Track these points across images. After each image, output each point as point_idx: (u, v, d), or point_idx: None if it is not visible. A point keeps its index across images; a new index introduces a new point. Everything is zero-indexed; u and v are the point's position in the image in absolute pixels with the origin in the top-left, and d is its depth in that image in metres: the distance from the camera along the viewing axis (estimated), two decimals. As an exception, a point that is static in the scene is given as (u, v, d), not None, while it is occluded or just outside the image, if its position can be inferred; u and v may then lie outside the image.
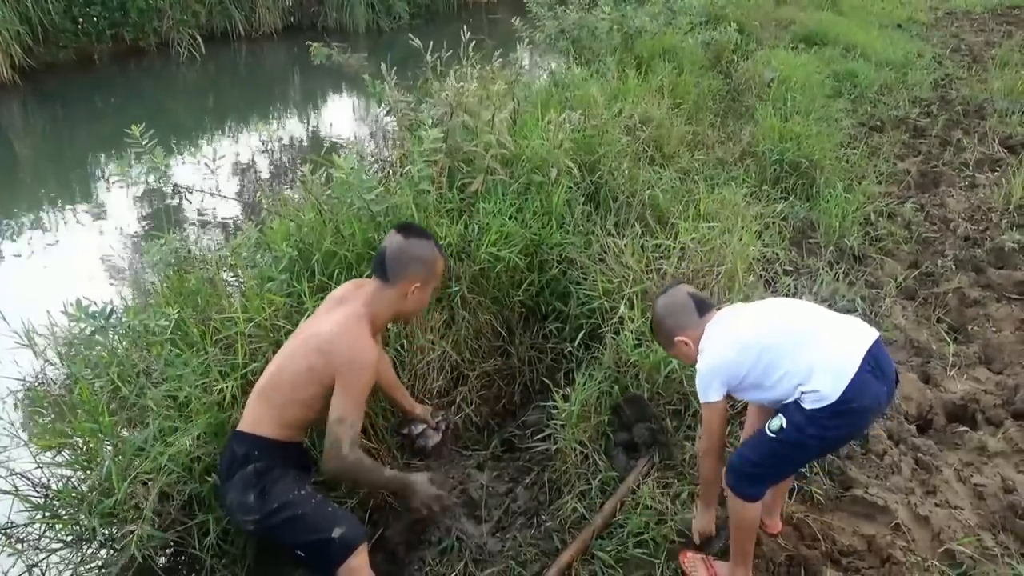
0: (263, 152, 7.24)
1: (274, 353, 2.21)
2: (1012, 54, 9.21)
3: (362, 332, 1.98)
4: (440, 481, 2.29)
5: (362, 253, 2.70)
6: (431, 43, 3.54)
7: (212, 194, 3.59)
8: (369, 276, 2.29)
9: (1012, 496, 2.37)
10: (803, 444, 1.76)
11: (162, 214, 5.30)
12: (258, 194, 3.58)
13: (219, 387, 2.17)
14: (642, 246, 3.14)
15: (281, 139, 7.79)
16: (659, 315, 2.03)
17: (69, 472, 2.11)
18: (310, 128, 8.58)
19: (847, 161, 5.28)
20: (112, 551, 2.03)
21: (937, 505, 2.33)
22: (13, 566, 1.97)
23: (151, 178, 2.63)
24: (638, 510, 2.21)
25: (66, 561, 2.01)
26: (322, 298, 2.22)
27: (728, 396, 1.89)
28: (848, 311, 3.28)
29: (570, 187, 3.40)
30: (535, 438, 2.65)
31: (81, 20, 9.42)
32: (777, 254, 3.67)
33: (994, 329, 3.43)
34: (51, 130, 8.00)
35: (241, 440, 1.94)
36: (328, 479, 2.17)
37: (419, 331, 2.72)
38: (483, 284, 2.97)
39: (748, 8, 9.01)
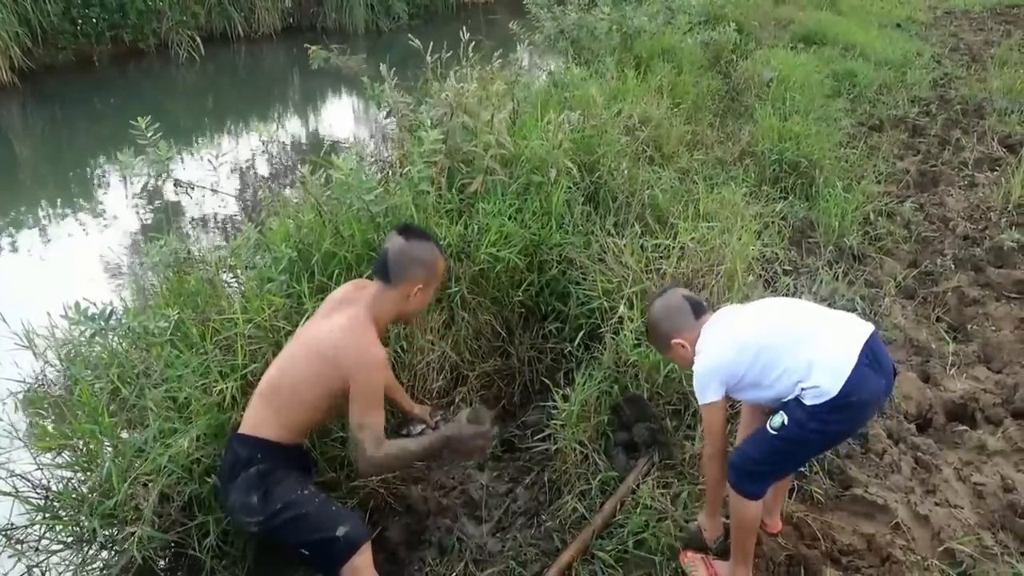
0: (263, 153, 7.24)
1: (274, 354, 2.21)
2: (1011, 53, 9.22)
3: (369, 334, 1.99)
4: (473, 416, 2.17)
5: (362, 254, 2.71)
6: (431, 44, 3.54)
7: (214, 190, 3.60)
8: (369, 277, 2.29)
9: (1012, 495, 2.37)
10: (805, 440, 1.77)
11: (162, 215, 5.31)
12: (260, 193, 3.58)
13: (219, 388, 2.17)
14: (641, 246, 3.14)
15: (281, 140, 7.79)
16: (655, 318, 2.03)
17: (69, 473, 2.10)
18: (309, 129, 8.59)
19: (846, 161, 5.28)
20: (112, 552, 2.03)
21: (937, 504, 2.33)
22: (13, 567, 1.97)
23: (153, 170, 2.64)
24: (638, 510, 2.21)
25: (66, 562, 2.01)
26: (322, 299, 2.22)
27: (727, 397, 1.89)
28: (848, 310, 3.28)
29: (569, 187, 3.40)
30: (535, 438, 2.66)
31: (80, 22, 9.42)
32: (776, 254, 3.68)
33: (993, 328, 3.43)
34: (50, 131, 8.00)
35: (243, 442, 1.94)
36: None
37: (419, 332, 2.72)
38: (483, 284, 2.97)
39: (747, 8, 9.02)
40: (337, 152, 3.00)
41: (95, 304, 2.32)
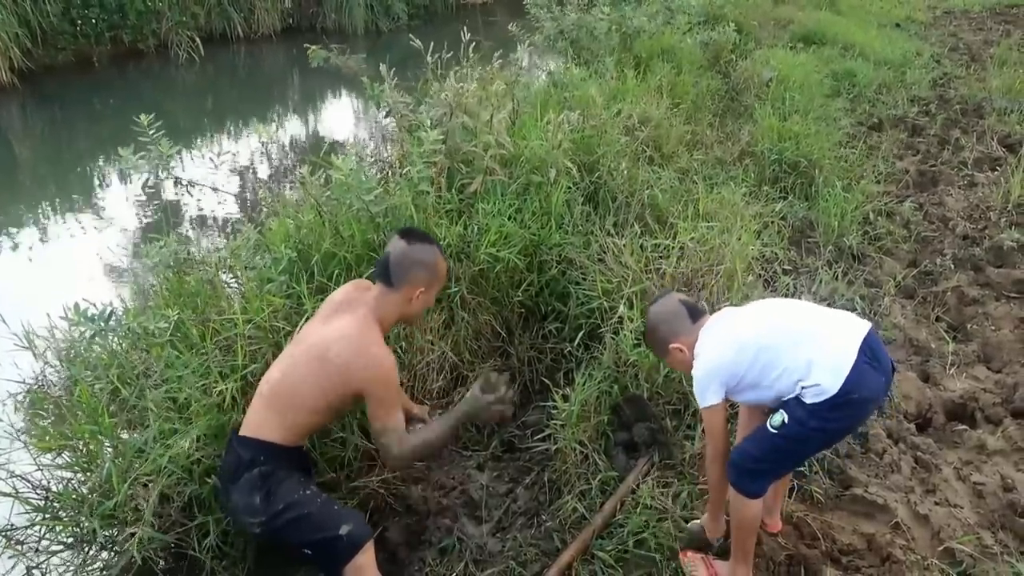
0: (262, 153, 7.24)
1: (274, 355, 2.21)
2: (1010, 53, 9.22)
3: (375, 337, 2.00)
4: (487, 384, 2.16)
5: (361, 254, 2.71)
6: (431, 44, 3.54)
7: (214, 189, 3.60)
8: (369, 278, 2.29)
9: (1011, 494, 2.38)
10: (805, 438, 1.78)
11: (162, 215, 5.31)
12: (260, 193, 3.58)
13: (219, 389, 2.17)
14: (641, 246, 3.14)
15: (280, 140, 7.79)
16: (652, 323, 2.04)
17: (69, 474, 2.10)
18: (309, 129, 8.58)
19: (846, 160, 5.29)
20: (112, 553, 2.03)
21: (937, 504, 2.34)
22: (13, 568, 1.97)
23: (154, 167, 2.64)
24: (638, 510, 2.22)
25: (67, 563, 2.01)
26: (322, 299, 2.21)
27: (726, 399, 1.89)
28: (847, 310, 3.28)
29: (569, 187, 3.40)
30: (535, 438, 2.66)
31: (80, 22, 9.41)
32: (776, 253, 3.68)
33: (993, 328, 3.43)
34: (50, 132, 8.00)
35: (246, 444, 1.94)
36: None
37: (418, 332, 2.72)
38: (482, 284, 2.97)
39: (746, 8, 9.02)
40: (337, 152, 2.99)
41: (95, 305, 2.32)
